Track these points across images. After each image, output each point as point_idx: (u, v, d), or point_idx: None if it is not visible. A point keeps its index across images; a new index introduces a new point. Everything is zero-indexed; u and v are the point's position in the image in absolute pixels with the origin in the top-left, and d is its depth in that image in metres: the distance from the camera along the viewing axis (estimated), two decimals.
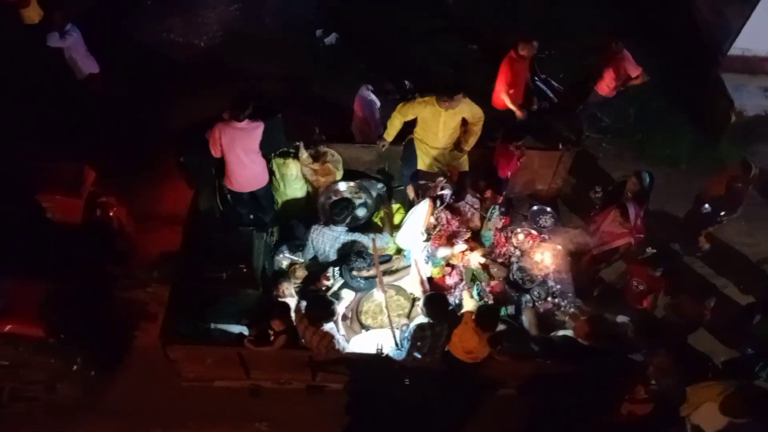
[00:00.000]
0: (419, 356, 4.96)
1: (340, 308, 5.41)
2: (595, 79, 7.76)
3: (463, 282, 6.09)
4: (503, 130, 6.42)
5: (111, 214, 6.54)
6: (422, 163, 6.33)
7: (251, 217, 6.46)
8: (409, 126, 6.35)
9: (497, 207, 6.31)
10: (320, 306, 5.00)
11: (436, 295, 5.05)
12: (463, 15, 10.17)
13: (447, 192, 5.60)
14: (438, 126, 5.99)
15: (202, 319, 5.94)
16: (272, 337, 5.06)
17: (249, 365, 5.46)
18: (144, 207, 7.23)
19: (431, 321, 4.82)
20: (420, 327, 4.83)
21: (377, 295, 5.56)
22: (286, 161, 6.42)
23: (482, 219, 6.44)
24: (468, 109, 5.96)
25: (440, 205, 5.59)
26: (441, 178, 5.65)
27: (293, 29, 9.70)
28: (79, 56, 7.69)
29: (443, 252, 5.68)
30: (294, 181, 6.48)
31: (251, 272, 5.49)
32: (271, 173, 6.49)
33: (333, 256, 5.82)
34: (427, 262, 5.56)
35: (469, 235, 6.11)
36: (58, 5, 7.68)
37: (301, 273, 6.05)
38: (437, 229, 5.48)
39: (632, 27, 9.21)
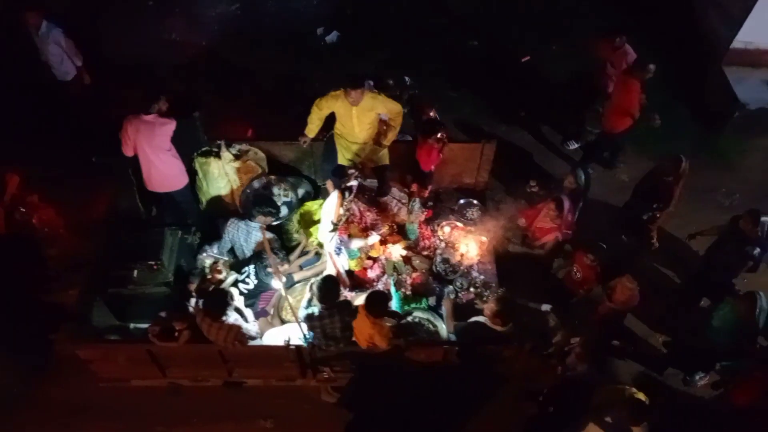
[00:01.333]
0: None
1: (238, 299, 5.40)
2: (598, 74, 7.72)
3: (386, 275, 6.12)
4: (421, 125, 6.44)
5: (33, 220, 6.52)
6: (342, 159, 6.35)
7: (175, 216, 6.45)
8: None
9: (417, 200, 6.34)
10: (216, 299, 4.99)
11: (328, 277, 5.08)
12: (464, 11, 10.24)
13: (354, 183, 5.61)
14: (352, 120, 6.02)
15: (122, 319, 5.96)
16: (176, 333, 5.03)
17: (162, 362, 5.42)
18: (86, 209, 7.08)
19: (321, 310, 4.82)
20: (308, 317, 4.84)
21: (290, 289, 5.56)
22: (207, 160, 6.42)
23: (409, 213, 6.49)
24: (383, 105, 6.00)
25: (349, 196, 5.60)
26: (352, 171, 5.67)
27: (294, 28, 9.75)
28: (71, 54, 7.32)
29: (357, 244, 5.70)
30: (216, 179, 6.48)
31: (162, 269, 5.47)
32: (195, 172, 6.51)
33: (248, 251, 5.83)
34: (338, 254, 5.56)
35: (386, 227, 6.13)
36: (33, 6, 7.22)
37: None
38: (342, 221, 5.49)
39: (633, 20, 9.19)
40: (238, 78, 8.89)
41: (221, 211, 6.56)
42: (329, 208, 5.51)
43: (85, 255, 6.56)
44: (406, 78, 8.44)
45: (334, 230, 5.41)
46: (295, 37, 9.63)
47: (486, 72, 9.27)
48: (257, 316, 5.84)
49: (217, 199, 6.60)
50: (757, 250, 5.88)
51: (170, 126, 5.74)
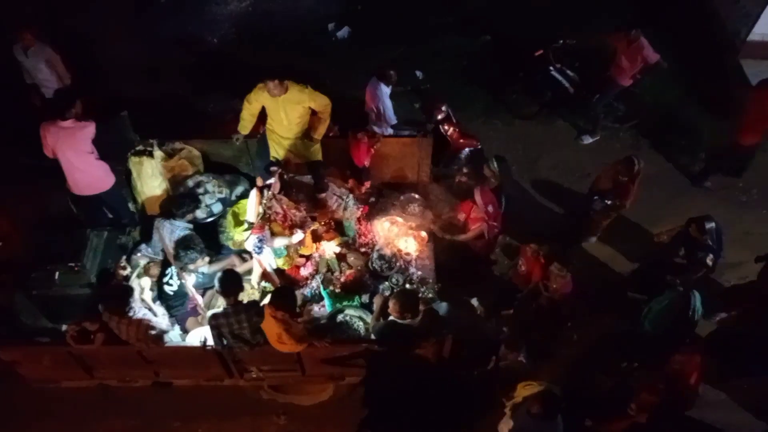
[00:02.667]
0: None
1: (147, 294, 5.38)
2: (611, 67, 7.69)
3: (319, 273, 6.07)
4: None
5: None
6: (275, 154, 6.30)
7: (110, 216, 6.42)
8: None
9: (350, 196, 6.27)
10: (114, 294, 4.97)
11: (229, 270, 5.06)
12: (476, 6, 10.14)
13: (272, 180, 5.54)
14: (280, 114, 5.98)
15: (53, 320, 5.94)
16: (92, 336, 5.01)
17: (86, 364, 5.41)
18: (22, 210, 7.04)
19: (226, 308, 4.79)
20: (214, 316, 4.81)
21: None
22: (140, 159, 6.38)
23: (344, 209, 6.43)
24: (309, 98, 5.94)
25: (268, 193, 5.54)
26: (273, 168, 5.60)
27: (305, 23, 9.80)
28: (61, 72, 7.30)
29: (280, 242, 5.64)
30: (151, 179, 6.43)
31: (83, 271, 5.45)
32: (129, 172, 6.48)
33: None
34: (258, 253, 5.49)
35: (316, 225, 6.07)
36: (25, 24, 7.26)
37: (155, 271, 6.01)
38: (258, 217, 5.42)
39: (648, 14, 9.01)
40: (248, 74, 8.74)
41: (158, 210, 6.51)
42: (248, 207, 5.46)
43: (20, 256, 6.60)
44: (418, 72, 8.38)
45: (248, 229, 5.35)
46: (307, 33, 9.67)
47: (499, 67, 9.14)
48: (187, 315, 5.81)
49: (153, 199, 6.53)
50: (710, 257, 5.87)
51: (90, 128, 5.71)
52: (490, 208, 6.13)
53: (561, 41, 8.21)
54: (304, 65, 8.93)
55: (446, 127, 7.36)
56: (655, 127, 8.53)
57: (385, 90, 7.01)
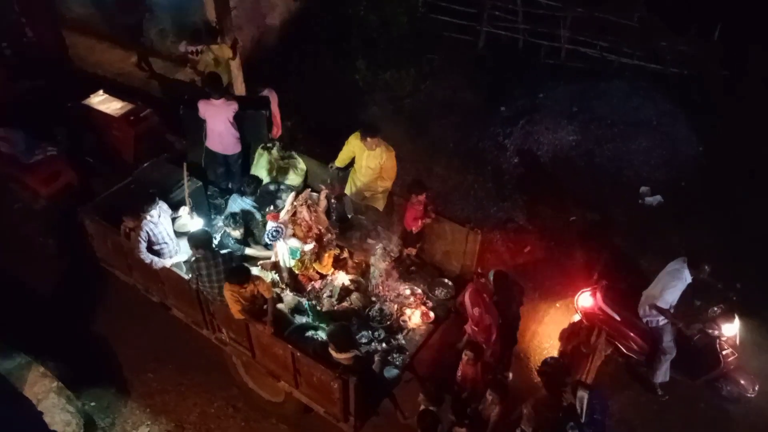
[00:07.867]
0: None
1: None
2: None
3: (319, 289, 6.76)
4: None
5: None
6: (348, 188, 7.28)
7: (227, 182, 8.06)
8: None
9: (379, 247, 6.83)
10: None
11: (202, 230, 6.04)
12: None
13: (308, 190, 6.52)
14: (362, 160, 6.98)
15: None
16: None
17: (128, 258, 6.84)
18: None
19: (206, 253, 5.86)
20: (196, 260, 5.87)
21: None
22: (263, 152, 7.96)
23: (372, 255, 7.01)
24: (386, 160, 6.84)
25: (299, 198, 6.48)
26: (324, 189, 6.61)
27: (620, 175, 9.81)
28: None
29: (292, 242, 6.49)
30: (261, 169, 7.89)
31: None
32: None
33: None
34: (270, 239, 6.38)
35: (336, 249, 6.76)
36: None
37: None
38: (286, 214, 6.39)
39: None
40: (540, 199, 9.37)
41: None
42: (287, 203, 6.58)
43: None
44: (720, 286, 7.43)
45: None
46: (617, 183, 9.69)
47: None
48: None
49: None
50: None
51: (233, 106, 7.50)
52: (476, 311, 6.03)
53: None
54: (603, 214, 9.15)
55: (724, 346, 6.63)
56: None
57: (687, 276, 6.48)
